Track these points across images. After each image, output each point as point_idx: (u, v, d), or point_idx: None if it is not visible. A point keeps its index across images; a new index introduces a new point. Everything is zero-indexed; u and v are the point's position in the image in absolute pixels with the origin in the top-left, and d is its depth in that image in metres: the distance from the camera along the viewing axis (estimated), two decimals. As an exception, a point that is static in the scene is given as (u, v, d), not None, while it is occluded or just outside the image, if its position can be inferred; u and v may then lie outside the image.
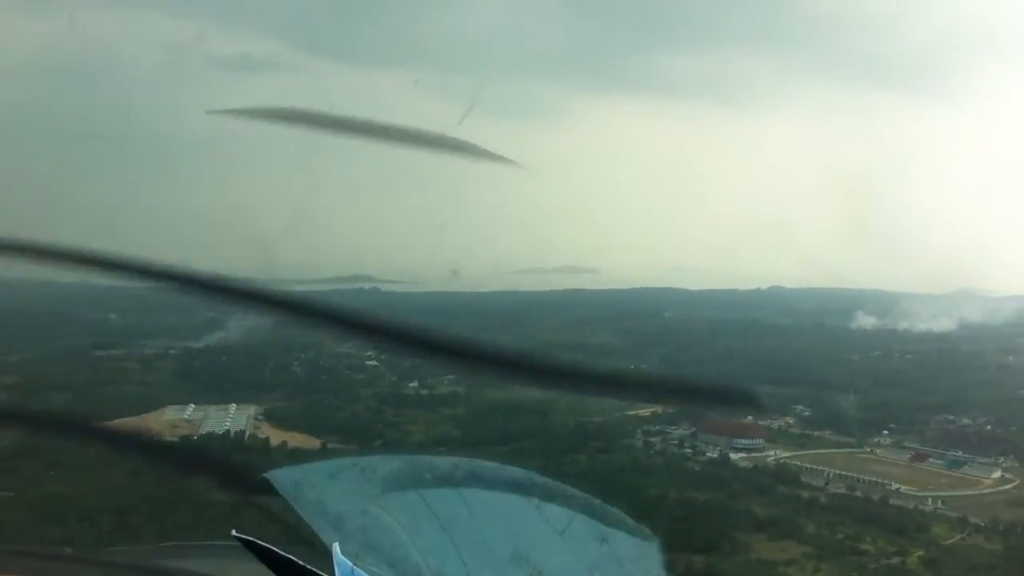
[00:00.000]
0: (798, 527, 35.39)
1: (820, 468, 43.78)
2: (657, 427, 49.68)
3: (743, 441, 47.91)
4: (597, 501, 2.13)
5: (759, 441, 48.37)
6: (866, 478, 42.39)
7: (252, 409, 49.12)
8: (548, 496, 2.11)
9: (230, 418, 46.71)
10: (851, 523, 36.04)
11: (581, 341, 73.87)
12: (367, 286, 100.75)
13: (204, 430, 42.82)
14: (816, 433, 50.60)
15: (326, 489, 2.24)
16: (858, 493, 40.40)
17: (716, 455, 46.05)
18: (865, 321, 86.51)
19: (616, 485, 41.00)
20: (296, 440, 42.33)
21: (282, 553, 1.81)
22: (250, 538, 1.86)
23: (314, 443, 41.58)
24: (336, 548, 1.93)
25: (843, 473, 43.04)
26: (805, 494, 39.91)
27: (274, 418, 47.97)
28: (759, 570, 31.83)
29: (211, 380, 56.05)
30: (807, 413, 54.03)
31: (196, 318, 61.13)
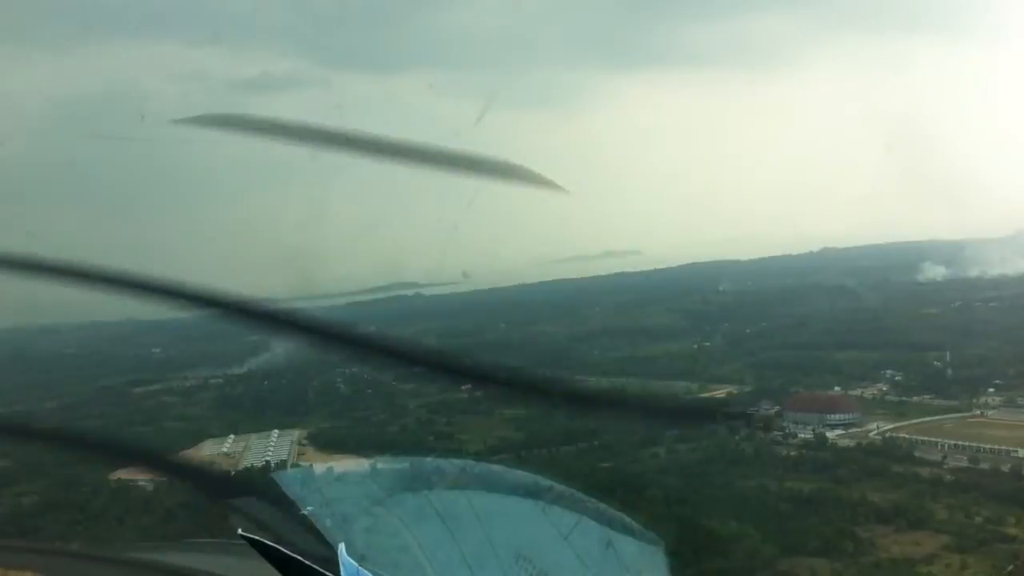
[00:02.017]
0: (927, 514, 30.54)
1: (931, 440, 38.79)
2: (737, 409, 45.47)
3: (836, 416, 43.20)
4: (603, 505, 2.03)
5: (854, 415, 43.61)
6: (986, 447, 37.32)
7: (295, 434, 45.68)
8: (554, 500, 2.05)
9: (272, 446, 43.12)
10: (986, 503, 31.07)
11: (636, 324, 69.71)
12: (410, 292, 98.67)
13: (243, 463, 39.11)
14: (915, 399, 45.65)
15: (333, 491, 2.39)
16: (983, 465, 35.38)
17: (810, 435, 41.31)
18: (934, 272, 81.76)
19: (706, 479, 36.32)
20: (343, 463, 38.46)
21: (288, 552, 1.74)
22: (257, 537, 1.78)
23: (363, 465, 37.66)
24: (342, 548, 1.88)
25: (958, 443, 38.00)
26: (924, 472, 34.91)
27: (319, 441, 44.44)
28: (896, 573, 26.96)
29: (253, 407, 53.36)
30: (899, 378, 49.24)
31: (239, 344, 58.59)
